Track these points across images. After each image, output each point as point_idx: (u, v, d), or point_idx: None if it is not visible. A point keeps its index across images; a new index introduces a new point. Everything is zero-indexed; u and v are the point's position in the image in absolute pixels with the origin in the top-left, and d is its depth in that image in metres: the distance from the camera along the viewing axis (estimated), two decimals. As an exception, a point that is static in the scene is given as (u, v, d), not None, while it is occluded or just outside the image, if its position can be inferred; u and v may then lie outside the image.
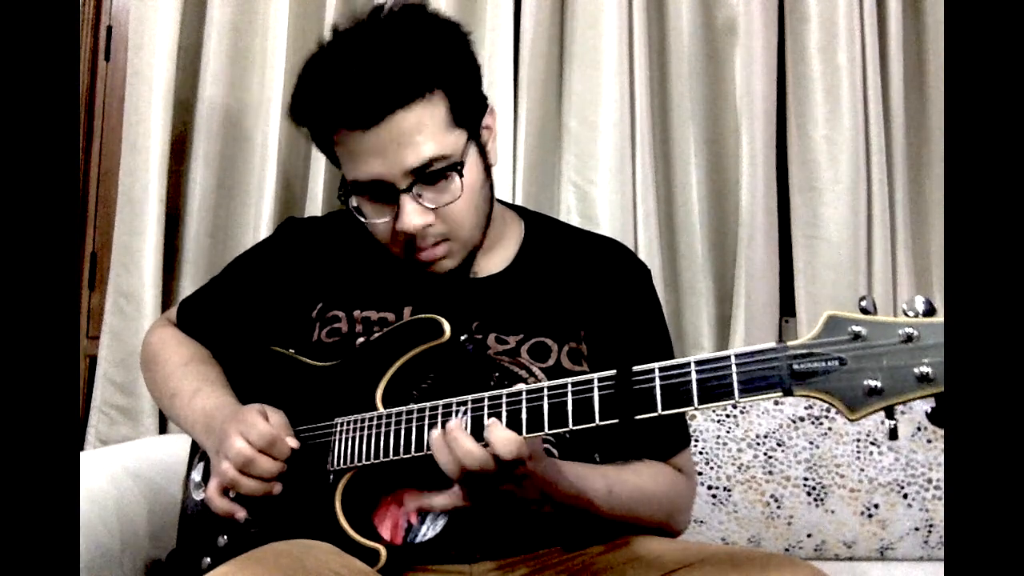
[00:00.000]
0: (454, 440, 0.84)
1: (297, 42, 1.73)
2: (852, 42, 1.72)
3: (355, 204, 1.04)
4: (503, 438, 0.82)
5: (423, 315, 1.00)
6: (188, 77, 1.76)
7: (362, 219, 1.04)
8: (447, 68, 0.98)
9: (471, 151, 1.01)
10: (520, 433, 0.83)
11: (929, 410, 0.69)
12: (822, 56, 1.73)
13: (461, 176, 0.98)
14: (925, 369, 0.67)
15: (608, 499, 0.96)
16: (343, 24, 1.01)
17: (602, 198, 1.70)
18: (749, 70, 1.72)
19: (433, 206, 0.98)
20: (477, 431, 0.86)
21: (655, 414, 0.78)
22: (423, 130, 0.95)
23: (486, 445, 0.83)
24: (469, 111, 1.01)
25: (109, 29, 1.83)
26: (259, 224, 1.68)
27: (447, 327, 0.97)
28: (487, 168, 1.06)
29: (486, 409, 0.86)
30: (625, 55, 1.71)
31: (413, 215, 0.97)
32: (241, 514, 0.98)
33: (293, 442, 0.97)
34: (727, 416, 1.55)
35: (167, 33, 1.69)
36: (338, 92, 0.95)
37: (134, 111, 1.69)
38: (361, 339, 1.05)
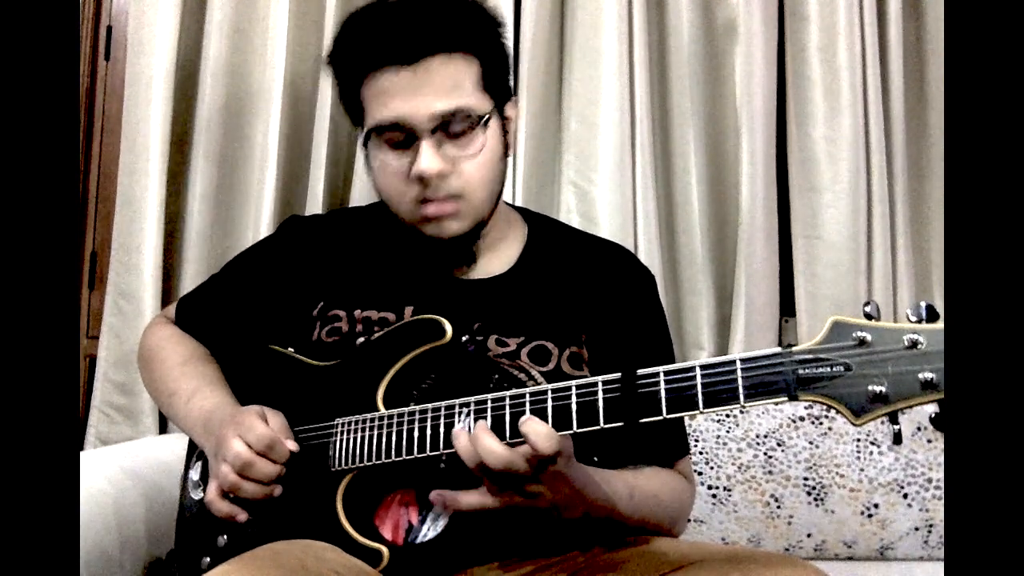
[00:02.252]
0: (476, 438, 0.83)
1: (297, 42, 1.73)
2: (852, 42, 1.72)
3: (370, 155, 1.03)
4: (541, 432, 0.81)
5: (425, 315, 1.00)
6: (188, 77, 1.75)
7: (376, 163, 1.03)
8: (487, 41, 1.02)
9: (495, 120, 1.03)
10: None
11: (933, 415, 0.69)
12: (822, 56, 1.73)
13: (485, 130, 1.00)
14: (929, 375, 0.67)
15: (630, 504, 0.96)
16: None
17: (602, 198, 1.70)
18: (749, 70, 1.72)
19: (452, 157, 0.99)
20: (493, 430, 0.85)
21: (660, 418, 0.78)
22: (457, 81, 0.98)
23: (511, 442, 0.83)
24: (498, 90, 1.04)
25: (109, 29, 1.82)
26: (259, 224, 1.68)
27: (449, 328, 0.97)
28: (505, 149, 1.07)
29: (489, 411, 0.86)
30: (625, 55, 1.71)
31: (432, 158, 0.98)
32: (242, 516, 0.97)
33: (292, 445, 0.97)
34: (727, 416, 1.55)
35: (167, 33, 1.68)
36: (385, 28, 0.98)
37: (134, 111, 1.68)
38: (361, 339, 1.05)
